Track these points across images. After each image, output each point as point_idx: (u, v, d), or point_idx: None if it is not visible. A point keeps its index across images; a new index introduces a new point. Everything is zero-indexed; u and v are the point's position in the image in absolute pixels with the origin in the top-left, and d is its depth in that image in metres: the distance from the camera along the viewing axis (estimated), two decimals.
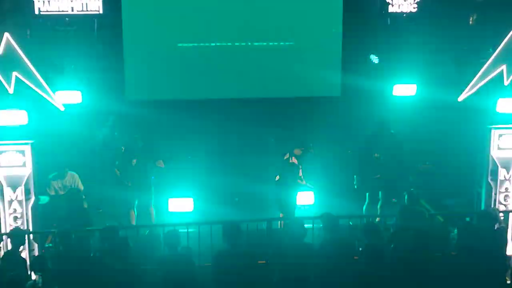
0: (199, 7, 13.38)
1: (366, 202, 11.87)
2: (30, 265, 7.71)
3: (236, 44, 13.73)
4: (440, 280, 8.28)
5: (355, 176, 11.80)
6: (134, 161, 11.09)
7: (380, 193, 11.74)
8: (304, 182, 11.60)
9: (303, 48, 13.80)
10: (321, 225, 9.34)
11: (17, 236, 8.38)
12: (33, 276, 7.60)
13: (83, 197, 10.20)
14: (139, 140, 12.50)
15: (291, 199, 11.13)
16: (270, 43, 13.73)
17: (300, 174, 11.61)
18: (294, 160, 11.63)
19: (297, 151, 11.72)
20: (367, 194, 11.91)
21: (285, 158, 11.72)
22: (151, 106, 13.10)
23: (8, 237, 8.54)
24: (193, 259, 8.40)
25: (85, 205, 10.14)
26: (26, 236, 9.03)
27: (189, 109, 13.37)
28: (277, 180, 11.38)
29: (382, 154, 11.63)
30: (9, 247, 9.00)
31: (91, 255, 8.92)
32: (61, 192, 10.99)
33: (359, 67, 13.78)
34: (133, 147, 11.54)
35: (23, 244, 8.57)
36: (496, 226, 8.82)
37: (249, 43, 13.73)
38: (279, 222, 9.58)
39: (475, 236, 8.41)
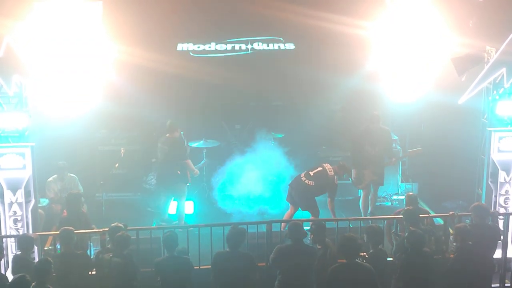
0: None
1: (361, 197, 11.83)
2: (34, 267, 7.70)
3: None
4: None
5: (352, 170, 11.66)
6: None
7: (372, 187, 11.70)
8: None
9: None
10: None
11: (25, 241, 8.39)
12: None
13: (83, 199, 10.18)
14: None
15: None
16: None
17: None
18: None
19: None
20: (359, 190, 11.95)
21: None
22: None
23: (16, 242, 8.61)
24: (191, 262, 8.40)
25: (84, 209, 10.13)
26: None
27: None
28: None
29: (372, 147, 11.48)
30: (9, 249, 9.05)
31: (91, 256, 8.95)
32: (61, 195, 10.99)
33: None
34: None
35: (32, 249, 8.60)
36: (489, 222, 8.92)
37: None
38: (281, 225, 9.56)
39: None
